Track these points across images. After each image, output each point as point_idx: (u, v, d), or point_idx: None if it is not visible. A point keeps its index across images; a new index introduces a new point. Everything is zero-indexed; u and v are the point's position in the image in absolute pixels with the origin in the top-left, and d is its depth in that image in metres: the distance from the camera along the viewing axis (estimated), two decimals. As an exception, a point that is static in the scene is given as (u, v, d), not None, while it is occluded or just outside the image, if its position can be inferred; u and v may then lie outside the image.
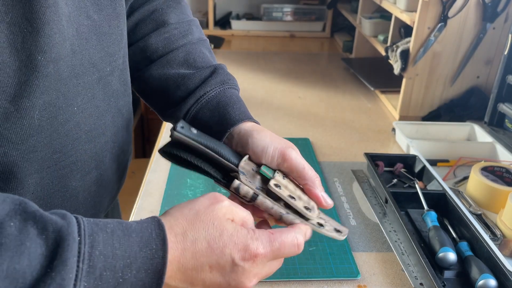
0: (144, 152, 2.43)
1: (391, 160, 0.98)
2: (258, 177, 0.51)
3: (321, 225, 0.51)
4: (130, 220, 0.84)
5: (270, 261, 0.44)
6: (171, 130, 0.45)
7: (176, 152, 0.47)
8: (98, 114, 0.53)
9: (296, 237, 0.45)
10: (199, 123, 0.58)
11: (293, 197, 0.50)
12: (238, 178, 0.49)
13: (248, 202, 0.50)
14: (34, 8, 0.41)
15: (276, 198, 0.50)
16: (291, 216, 0.50)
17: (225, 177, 0.50)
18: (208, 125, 0.57)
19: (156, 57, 0.62)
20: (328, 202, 0.52)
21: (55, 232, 0.35)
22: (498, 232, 0.79)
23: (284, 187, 0.50)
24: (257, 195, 0.49)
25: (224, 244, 0.41)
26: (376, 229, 0.82)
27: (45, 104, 0.45)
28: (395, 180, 0.95)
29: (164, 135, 1.14)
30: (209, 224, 0.41)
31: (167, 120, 0.65)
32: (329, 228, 0.52)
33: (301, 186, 0.53)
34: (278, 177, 0.51)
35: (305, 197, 0.52)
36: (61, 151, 0.49)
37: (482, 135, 1.10)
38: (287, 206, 0.50)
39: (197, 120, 0.59)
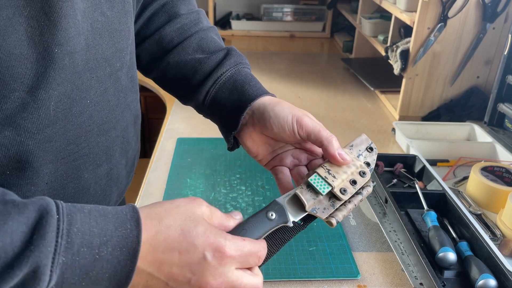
0: (144, 152, 2.43)
1: (391, 160, 0.98)
2: (321, 196, 0.50)
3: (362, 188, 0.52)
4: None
5: (238, 270, 0.44)
6: None
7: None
8: (110, 108, 0.55)
9: (260, 250, 0.45)
10: (219, 102, 0.60)
11: (354, 181, 0.51)
12: (317, 216, 0.49)
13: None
14: (52, 2, 0.43)
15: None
16: (358, 197, 0.51)
17: (302, 221, 0.50)
18: (228, 104, 0.59)
19: (172, 47, 0.65)
20: (345, 158, 0.52)
21: (35, 211, 0.37)
22: (498, 232, 0.79)
23: (344, 187, 0.50)
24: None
25: (196, 235, 0.42)
26: (376, 229, 0.82)
27: (60, 96, 0.46)
28: (395, 180, 0.95)
29: (165, 135, 1.14)
30: (186, 216, 0.43)
31: (187, 104, 0.67)
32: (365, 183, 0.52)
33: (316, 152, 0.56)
34: (332, 181, 0.50)
35: (348, 172, 0.52)
36: (75, 142, 0.50)
37: (482, 135, 1.10)
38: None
39: (216, 100, 0.61)
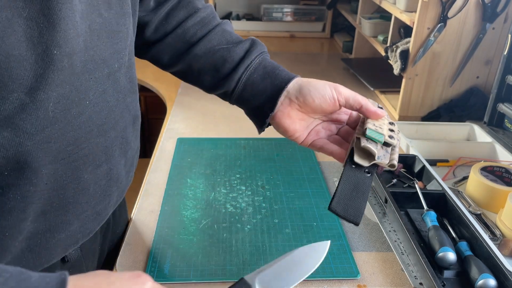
0: (145, 152, 2.43)
1: (391, 160, 0.98)
2: (379, 144, 0.58)
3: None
4: (131, 217, 0.84)
5: None
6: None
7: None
8: (109, 109, 0.55)
9: None
10: (251, 87, 0.65)
11: (391, 129, 0.60)
12: (383, 164, 0.57)
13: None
14: (51, 4, 0.43)
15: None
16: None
17: (369, 172, 0.58)
18: (261, 87, 0.65)
19: (197, 39, 0.69)
20: (382, 112, 0.60)
21: None
22: (497, 232, 0.79)
23: (389, 134, 0.58)
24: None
25: None
26: (376, 229, 0.82)
27: (59, 97, 0.46)
28: (394, 180, 0.95)
29: (165, 135, 1.14)
30: None
31: (212, 93, 0.71)
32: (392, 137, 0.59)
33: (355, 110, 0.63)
34: (381, 131, 0.58)
35: (385, 123, 0.61)
36: (75, 143, 0.50)
37: (481, 135, 1.10)
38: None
39: (249, 86, 0.65)
